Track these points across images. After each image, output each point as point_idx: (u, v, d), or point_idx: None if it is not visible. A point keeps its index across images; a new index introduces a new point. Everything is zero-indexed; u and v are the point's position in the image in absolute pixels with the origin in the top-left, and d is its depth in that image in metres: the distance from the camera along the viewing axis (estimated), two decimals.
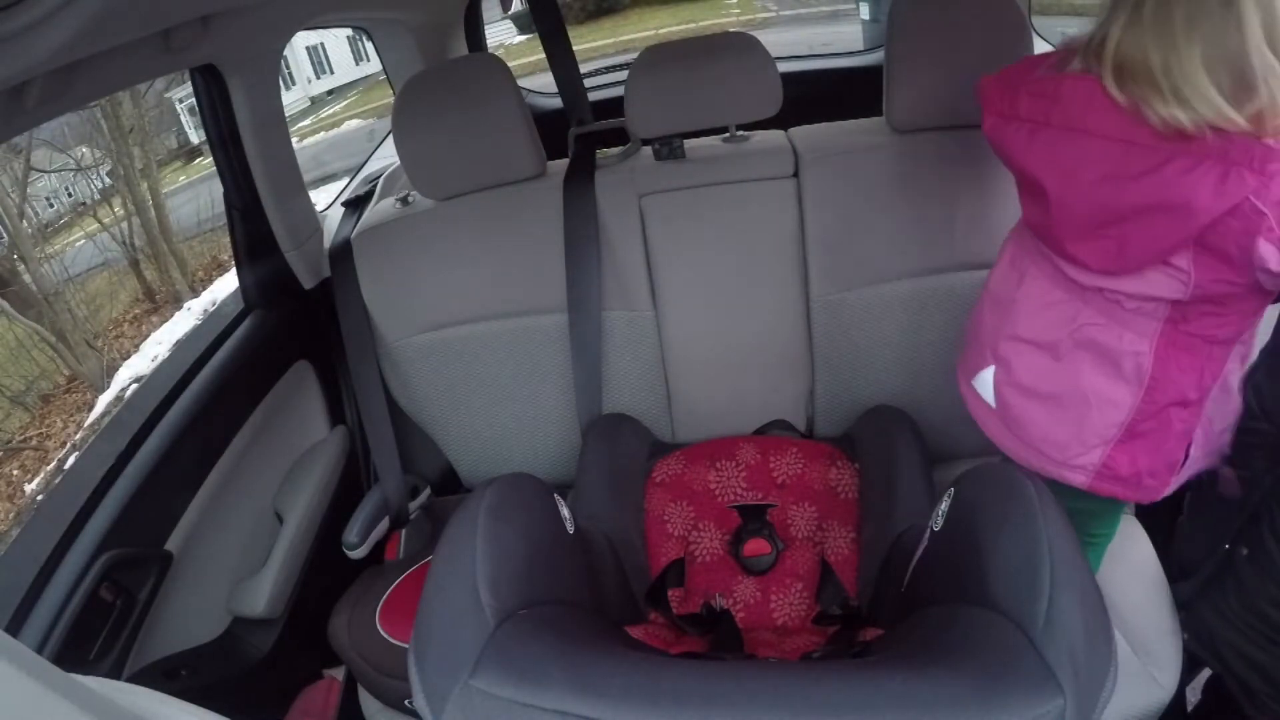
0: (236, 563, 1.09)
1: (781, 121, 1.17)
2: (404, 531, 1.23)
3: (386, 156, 1.61)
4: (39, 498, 5.43)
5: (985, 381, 0.90)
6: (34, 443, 6.06)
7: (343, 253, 1.24)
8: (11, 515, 5.36)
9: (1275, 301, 0.77)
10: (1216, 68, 0.65)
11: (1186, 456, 0.83)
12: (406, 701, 1.02)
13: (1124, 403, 0.80)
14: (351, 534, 1.12)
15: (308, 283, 1.30)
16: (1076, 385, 0.82)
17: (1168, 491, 0.85)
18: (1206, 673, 1.04)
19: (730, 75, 1.11)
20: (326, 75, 11.96)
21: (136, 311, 7.33)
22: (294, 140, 1.31)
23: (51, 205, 7.88)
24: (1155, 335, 0.77)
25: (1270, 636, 0.84)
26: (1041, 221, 0.80)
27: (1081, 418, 0.83)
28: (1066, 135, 0.72)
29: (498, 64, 1.13)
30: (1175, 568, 1.00)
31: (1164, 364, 0.78)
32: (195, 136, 8.94)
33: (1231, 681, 0.91)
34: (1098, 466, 0.84)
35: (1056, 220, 0.77)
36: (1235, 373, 0.81)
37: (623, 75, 1.38)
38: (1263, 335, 0.84)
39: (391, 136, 1.16)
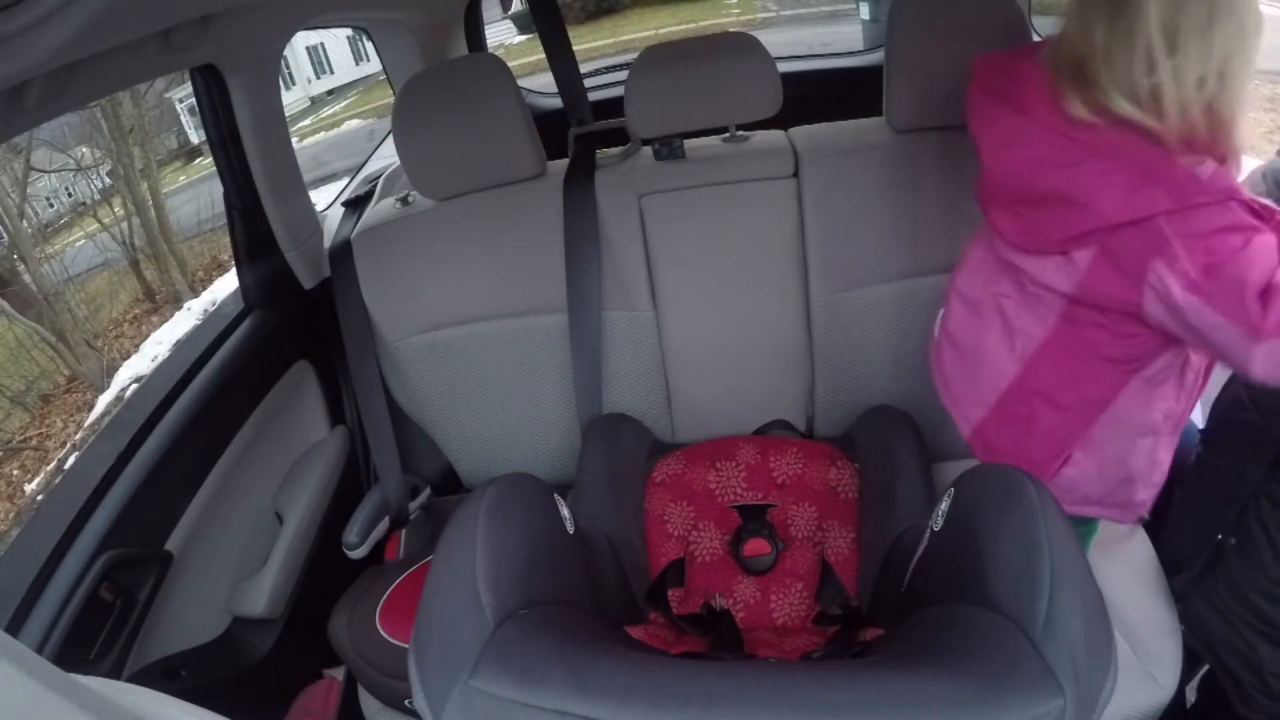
0: (236, 563, 1.09)
1: (782, 121, 1.17)
2: (404, 531, 1.23)
3: (386, 156, 1.60)
4: (39, 498, 5.43)
5: (937, 320, 0.98)
6: (34, 443, 6.06)
7: (343, 253, 1.24)
8: (11, 515, 5.36)
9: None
10: (1115, 55, 0.68)
11: (1058, 474, 0.86)
12: (406, 701, 1.02)
13: (1006, 375, 0.86)
14: (351, 534, 1.12)
15: (308, 283, 1.30)
16: (980, 344, 0.88)
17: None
18: (1205, 670, 1.04)
19: (730, 75, 1.11)
20: (326, 75, 11.94)
21: (136, 311, 7.33)
22: (294, 140, 1.31)
23: (51, 205, 7.88)
24: (1050, 326, 0.80)
25: (1257, 627, 0.85)
26: (979, 187, 0.85)
27: (976, 375, 0.89)
28: (1015, 115, 0.76)
29: (498, 64, 1.13)
30: (1168, 559, 1.01)
31: (1045, 354, 0.82)
32: (195, 136, 8.93)
33: (1223, 675, 0.91)
34: (975, 424, 0.91)
35: (985, 188, 0.82)
36: (1143, 413, 0.82)
37: (623, 75, 1.38)
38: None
39: (391, 136, 1.16)
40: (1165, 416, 0.83)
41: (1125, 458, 0.84)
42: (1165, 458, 0.86)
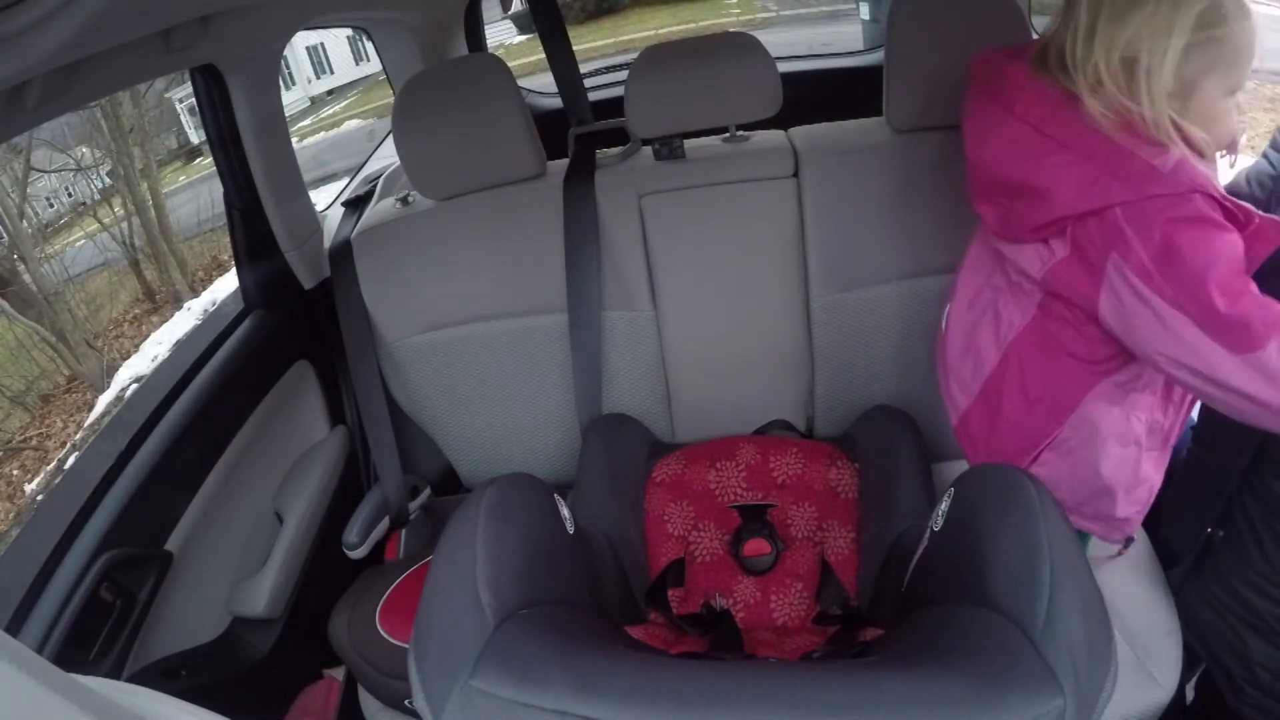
0: (236, 563, 1.09)
1: (781, 121, 1.17)
2: (404, 531, 1.23)
3: (386, 156, 1.60)
4: (39, 498, 5.43)
5: (944, 314, 0.98)
6: (34, 443, 6.06)
7: (343, 253, 1.24)
8: (11, 515, 5.36)
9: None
10: (1062, 34, 0.72)
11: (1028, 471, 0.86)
12: (406, 701, 1.02)
13: (989, 363, 0.87)
14: (351, 534, 1.12)
15: (308, 283, 1.30)
16: (974, 334, 0.89)
17: None
18: (1204, 668, 1.04)
19: (730, 75, 1.11)
20: (326, 75, 11.95)
21: (136, 311, 7.33)
22: (294, 140, 1.31)
23: (51, 205, 7.88)
24: (1030, 316, 0.82)
25: (1246, 619, 0.86)
26: (968, 180, 0.86)
27: (966, 363, 0.91)
28: (997, 109, 0.78)
29: (498, 64, 1.13)
30: (1163, 553, 1.01)
31: (1021, 344, 0.83)
32: (195, 136, 8.93)
33: (1215, 668, 0.92)
34: (962, 412, 0.92)
35: (969, 177, 0.84)
36: (1118, 421, 0.81)
37: (623, 75, 1.38)
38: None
39: (391, 136, 1.16)
40: (1150, 429, 0.82)
41: (1097, 465, 0.83)
42: (1152, 473, 0.85)
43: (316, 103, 11.79)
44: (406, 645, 0.64)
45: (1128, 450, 0.83)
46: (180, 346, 1.25)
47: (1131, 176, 0.67)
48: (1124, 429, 0.81)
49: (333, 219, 1.38)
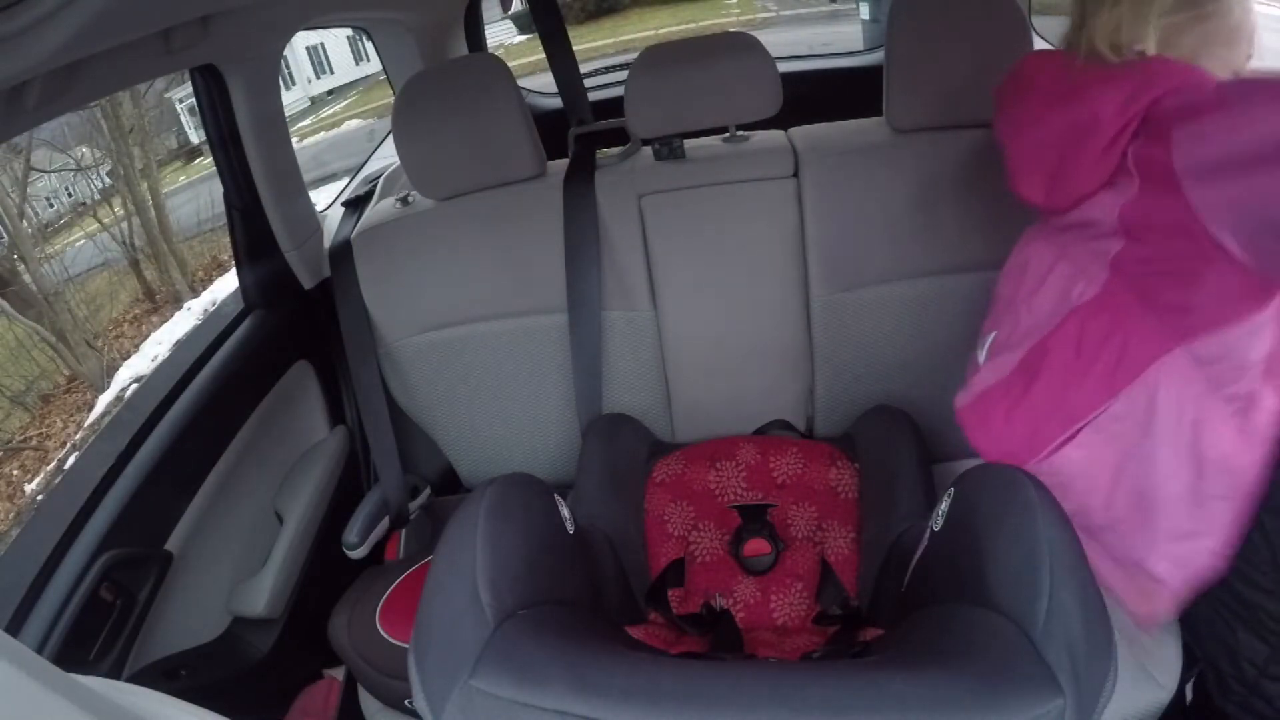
0: (236, 563, 1.09)
1: (781, 122, 1.17)
2: (404, 531, 1.23)
3: (386, 156, 1.60)
4: (39, 498, 5.43)
5: (985, 344, 0.90)
6: (34, 443, 6.06)
7: (343, 253, 1.24)
8: (11, 515, 5.36)
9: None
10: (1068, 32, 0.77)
11: (1056, 454, 0.76)
12: (406, 701, 1.02)
13: (1039, 333, 0.79)
14: (351, 534, 1.12)
15: (308, 283, 1.30)
16: (1031, 332, 0.81)
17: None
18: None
19: (730, 75, 1.11)
20: (326, 75, 11.95)
21: (136, 311, 7.33)
22: (294, 140, 1.31)
23: (51, 205, 7.88)
24: (1100, 283, 0.74)
25: (1237, 611, 0.85)
26: (1011, 184, 0.85)
27: (1015, 351, 0.82)
28: (1023, 97, 0.80)
29: (498, 64, 1.13)
30: None
31: (1086, 308, 0.74)
32: (195, 136, 8.93)
33: (1206, 666, 0.91)
34: (980, 392, 0.85)
35: (1009, 167, 0.83)
36: (1185, 420, 0.68)
37: (623, 75, 1.38)
38: None
39: (391, 136, 1.16)
40: (1221, 459, 0.67)
41: (1150, 474, 0.69)
42: (1216, 526, 0.68)
43: (316, 103, 11.78)
44: (406, 645, 0.64)
45: (1187, 474, 0.68)
46: (180, 346, 1.25)
47: (1171, 74, 0.67)
48: (1191, 433, 0.67)
49: (333, 219, 1.38)
